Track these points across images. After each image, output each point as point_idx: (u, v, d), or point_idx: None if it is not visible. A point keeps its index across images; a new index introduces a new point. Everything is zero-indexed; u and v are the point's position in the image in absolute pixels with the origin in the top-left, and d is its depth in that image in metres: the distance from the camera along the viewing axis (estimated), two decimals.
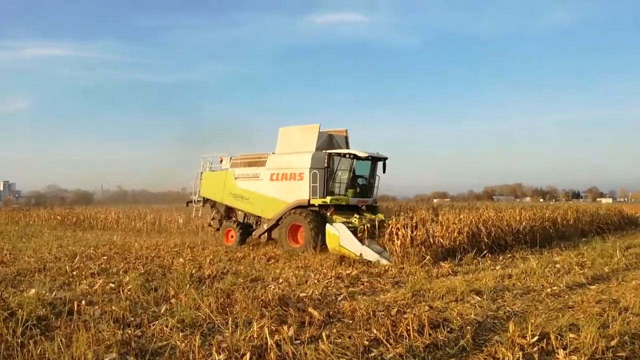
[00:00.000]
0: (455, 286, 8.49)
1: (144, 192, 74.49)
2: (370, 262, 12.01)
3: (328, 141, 16.14)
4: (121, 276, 9.88)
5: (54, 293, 8.00)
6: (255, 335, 5.45)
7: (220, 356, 4.88)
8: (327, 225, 13.38)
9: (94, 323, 6.06)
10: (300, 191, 15.10)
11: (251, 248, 15.68)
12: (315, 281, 9.44)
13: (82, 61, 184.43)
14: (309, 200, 14.88)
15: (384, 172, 16.17)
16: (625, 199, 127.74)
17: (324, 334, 5.42)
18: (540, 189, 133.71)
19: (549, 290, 8.73)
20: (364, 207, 16.07)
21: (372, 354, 5.18)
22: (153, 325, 6.18)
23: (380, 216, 15.27)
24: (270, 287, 8.53)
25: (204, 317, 6.51)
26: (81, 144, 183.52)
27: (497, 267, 11.35)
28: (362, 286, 9.18)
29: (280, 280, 9.50)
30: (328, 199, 14.68)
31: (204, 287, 8.44)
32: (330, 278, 9.75)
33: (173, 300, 7.56)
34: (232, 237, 16.78)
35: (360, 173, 16.00)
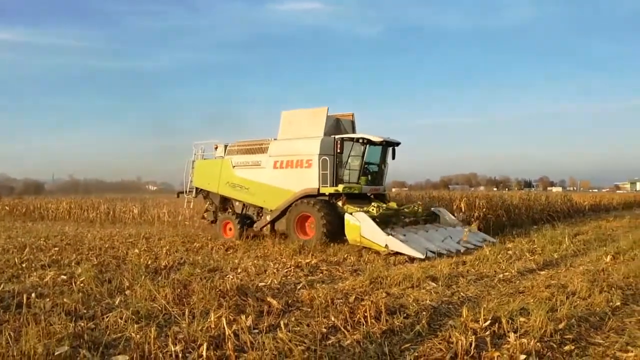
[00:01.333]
0: (411, 273, 8.66)
1: (97, 181, 72.60)
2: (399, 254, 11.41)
3: (335, 125, 15.07)
4: (73, 268, 9.59)
5: (1, 286, 7.67)
6: (212, 326, 5.39)
7: (177, 347, 4.80)
8: (347, 215, 12.62)
9: (45, 316, 5.86)
10: (309, 179, 14.02)
11: (209, 238, 15.49)
12: (275, 270, 9.43)
13: (33, 47, 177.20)
14: (318, 189, 13.83)
15: (393, 158, 15.26)
16: (575, 188, 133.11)
17: (282, 323, 5.42)
18: (494, 179, 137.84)
19: (501, 276, 9.03)
20: (371, 196, 14.93)
21: (330, 341, 5.22)
22: (107, 317, 6.03)
23: (394, 204, 14.69)
24: (229, 277, 8.45)
25: (160, 308, 6.40)
26: (31, 132, 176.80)
27: (452, 255, 11.62)
28: (321, 275, 9.24)
29: (239, 270, 9.45)
30: (340, 187, 13.64)
31: (160, 278, 8.30)
32: (290, 267, 9.76)
33: (128, 292, 7.39)
34: (230, 230, 15.57)
35: (371, 159, 14.81)
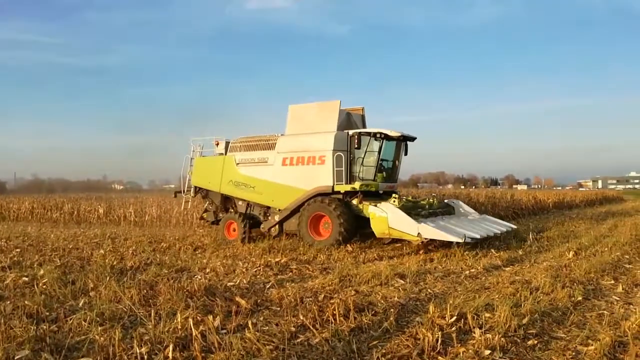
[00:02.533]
0: (380, 270, 8.73)
1: (62, 180, 70.76)
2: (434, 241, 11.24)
3: (347, 120, 14.34)
4: (36, 269, 9.29)
5: None
6: (179, 327, 5.32)
7: (142, 349, 4.73)
8: (371, 207, 12.18)
9: (5, 319, 5.68)
10: (321, 177, 13.29)
11: (177, 238, 15.27)
12: (244, 270, 9.36)
13: None
14: (332, 187, 13.13)
15: (405, 154, 14.60)
16: (539, 186, 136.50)
17: (250, 323, 5.39)
18: (462, 177, 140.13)
19: (467, 272, 9.18)
20: (381, 192, 14.21)
21: (299, 340, 5.22)
22: (70, 319, 5.89)
23: (409, 198, 14.30)
24: (197, 278, 8.36)
25: (125, 309, 6.28)
26: None
27: (420, 252, 11.76)
28: (290, 273, 9.21)
29: (207, 270, 9.34)
30: (357, 185, 12.89)
31: (125, 279, 8.12)
32: (259, 266, 9.71)
33: (92, 293, 7.23)
34: (234, 230, 14.64)
35: (386, 155, 14.07)
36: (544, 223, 20.02)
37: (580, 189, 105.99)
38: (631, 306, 6.67)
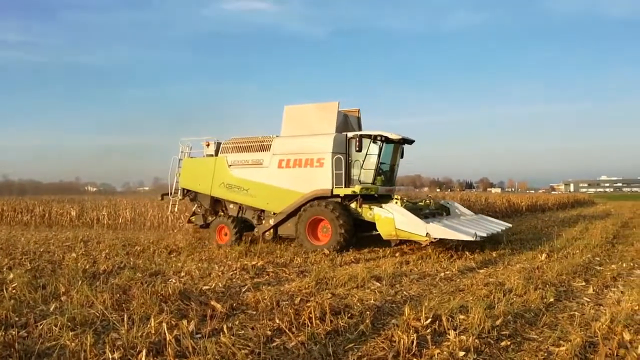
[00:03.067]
0: (357, 273, 8.74)
1: (33, 182, 69.19)
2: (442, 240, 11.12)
3: (344, 121, 14.01)
4: (5, 273, 9.06)
5: None
6: (153, 331, 5.24)
7: (115, 354, 4.64)
8: (376, 209, 12.01)
9: None
10: (320, 179, 12.99)
11: (151, 241, 15.06)
12: (220, 273, 9.27)
13: None
14: (332, 190, 12.89)
15: (401, 157, 14.45)
16: (513, 189, 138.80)
17: (225, 327, 5.35)
18: (438, 180, 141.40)
19: (442, 274, 9.27)
20: (376, 196, 13.77)
21: (275, 344, 5.19)
22: (40, 325, 5.74)
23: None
24: (171, 281, 8.26)
25: (97, 314, 6.16)
26: None
27: (397, 254, 11.82)
28: (267, 277, 9.16)
29: (182, 274, 9.22)
30: (358, 188, 12.66)
31: (98, 283, 7.98)
32: (235, 270, 9.63)
33: (63, 298, 7.08)
34: (225, 235, 14.26)
35: (386, 158, 13.81)
36: (517, 226, 20.33)
37: (553, 192, 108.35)
38: (601, 307, 6.82)
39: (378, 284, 8.23)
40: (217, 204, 15.28)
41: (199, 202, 15.50)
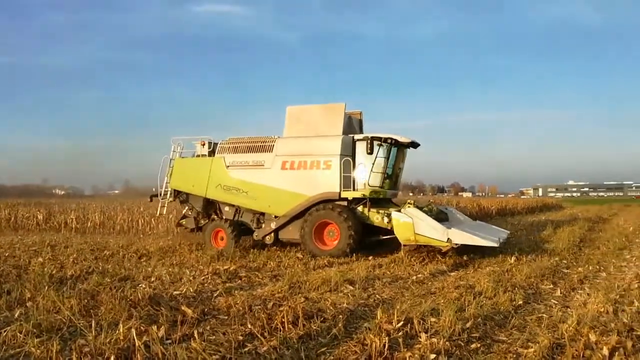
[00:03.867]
0: (330, 277, 8.73)
1: None
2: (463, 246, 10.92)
3: (349, 123, 13.67)
4: None
5: None
6: (121, 337, 5.11)
7: None
8: (394, 213, 11.74)
9: None
10: (327, 182, 12.67)
11: (121, 245, 14.75)
12: (191, 278, 9.14)
13: None
14: (339, 193, 12.63)
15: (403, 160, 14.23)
16: (483, 193, 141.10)
17: (196, 332, 5.29)
18: (410, 184, 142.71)
19: (414, 277, 9.36)
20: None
21: (247, 349, 5.14)
22: (4, 331, 5.56)
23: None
24: (141, 286, 8.10)
25: (64, 320, 6.01)
26: None
27: (370, 257, 11.87)
28: (239, 281, 9.09)
29: (152, 279, 9.05)
30: (367, 191, 12.48)
31: (65, 288, 7.77)
32: (207, 274, 9.50)
33: (29, 304, 6.87)
34: (222, 239, 13.74)
35: (393, 161, 13.54)
36: None
37: (522, 196, 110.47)
38: (568, 309, 6.96)
39: (351, 288, 8.24)
40: (209, 207, 14.63)
41: (190, 205, 14.82)
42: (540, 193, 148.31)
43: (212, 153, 14.62)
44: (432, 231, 11.18)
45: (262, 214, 13.73)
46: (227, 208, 14.28)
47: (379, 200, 13.32)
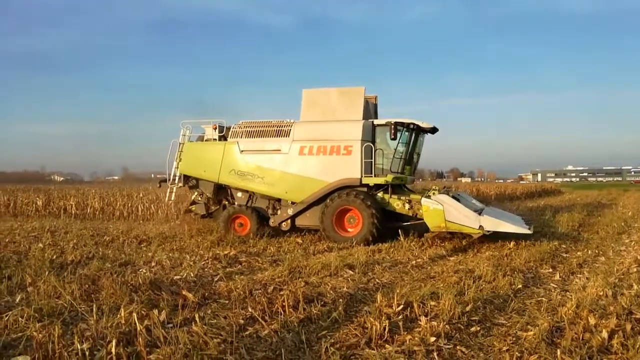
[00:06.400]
0: (330, 262, 8.78)
1: None
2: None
3: (366, 108, 13.29)
4: None
5: None
6: (122, 322, 5.15)
7: (84, 345, 4.55)
8: (424, 200, 11.47)
9: None
10: (348, 168, 12.42)
11: (121, 231, 14.76)
12: (191, 263, 9.15)
13: None
14: (360, 179, 12.41)
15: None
16: (482, 179, 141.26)
17: (197, 316, 5.30)
18: None
19: (414, 262, 9.39)
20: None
21: (247, 332, 5.18)
22: (6, 316, 5.59)
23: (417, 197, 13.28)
24: (141, 271, 8.13)
25: (65, 305, 6.03)
26: None
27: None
28: (240, 266, 9.12)
29: (153, 264, 9.08)
30: (390, 177, 12.26)
31: (66, 273, 7.77)
32: (207, 259, 9.54)
33: (30, 289, 6.89)
34: (241, 225, 13.40)
35: (414, 147, 13.40)
36: None
37: (521, 181, 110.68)
38: (567, 293, 7.00)
39: (351, 272, 8.28)
40: (220, 192, 14.24)
41: (200, 190, 14.34)
42: (539, 178, 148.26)
43: (222, 137, 14.21)
44: (463, 218, 11.01)
45: (278, 200, 13.43)
46: (239, 194, 13.93)
47: (394, 187, 13.08)
